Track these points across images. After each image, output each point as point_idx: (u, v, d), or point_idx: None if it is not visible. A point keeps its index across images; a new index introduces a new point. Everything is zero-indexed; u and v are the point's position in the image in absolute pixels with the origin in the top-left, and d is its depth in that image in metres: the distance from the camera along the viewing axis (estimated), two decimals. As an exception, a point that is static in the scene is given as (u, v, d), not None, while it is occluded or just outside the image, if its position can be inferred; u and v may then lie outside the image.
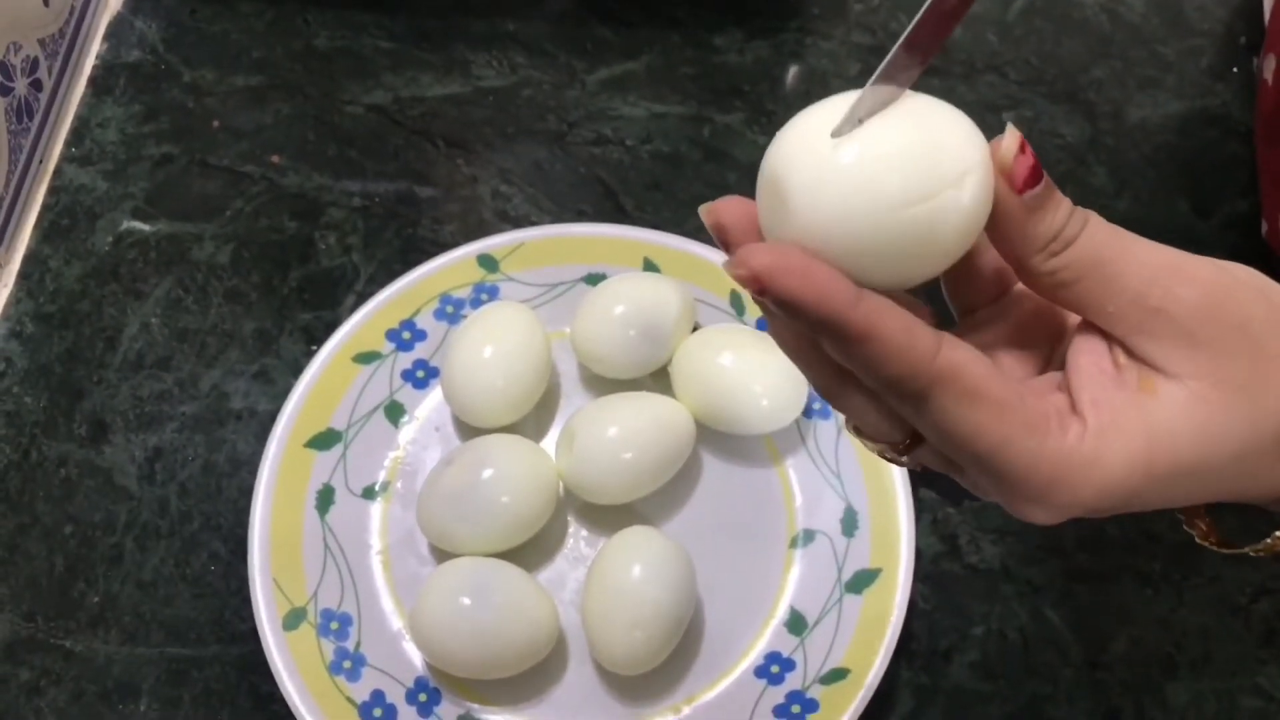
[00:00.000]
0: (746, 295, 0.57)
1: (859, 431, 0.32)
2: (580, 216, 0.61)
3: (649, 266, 0.57)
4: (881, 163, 0.27)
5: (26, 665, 0.51)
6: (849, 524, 0.52)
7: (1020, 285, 0.32)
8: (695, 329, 0.55)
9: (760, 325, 0.56)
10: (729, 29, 0.66)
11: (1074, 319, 0.31)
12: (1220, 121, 0.64)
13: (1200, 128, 0.64)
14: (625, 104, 0.64)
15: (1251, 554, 0.33)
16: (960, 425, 0.28)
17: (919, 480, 0.53)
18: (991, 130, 0.29)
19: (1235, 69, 0.65)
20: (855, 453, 0.53)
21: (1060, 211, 0.29)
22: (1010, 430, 0.28)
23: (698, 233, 0.58)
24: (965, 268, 0.30)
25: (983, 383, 0.28)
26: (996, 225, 0.29)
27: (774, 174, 0.28)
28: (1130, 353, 0.29)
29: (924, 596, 0.52)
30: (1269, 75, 0.59)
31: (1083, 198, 0.62)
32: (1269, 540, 0.32)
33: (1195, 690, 0.51)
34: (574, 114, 0.64)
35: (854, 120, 0.28)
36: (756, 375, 0.53)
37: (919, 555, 0.51)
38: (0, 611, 0.52)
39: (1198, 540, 0.34)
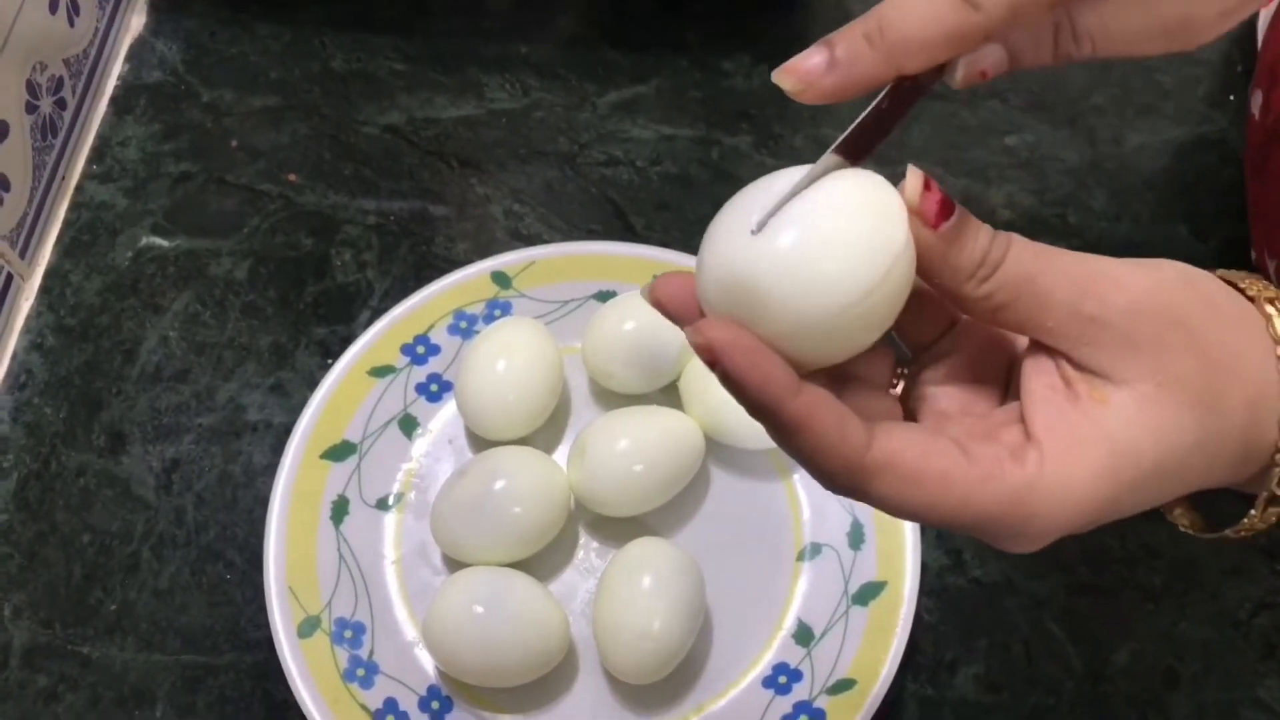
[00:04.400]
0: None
1: None
2: (591, 235, 0.62)
3: (659, 284, 0.58)
4: (810, 255, 0.28)
5: (44, 671, 0.52)
6: (855, 537, 0.53)
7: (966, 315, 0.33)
8: (704, 345, 0.56)
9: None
10: (737, 54, 0.67)
11: (1024, 341, 0.32)
12: (1217, 147, 0.65)
13: (1198, 153, 0.66)
14: (635, 126, 0.65)
15: (1232, 535, 0.33)
16: (910, 505, 0.29)
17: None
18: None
19: (1232, 96, 0.67)
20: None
21: (981, 237, 0.29)
22: (964, 491, 0.29)
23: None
24: (909, 310, 0.30)
25: (921, 462, 0.29)
26: (921, 265, 0.29)
27: (706, 263, 0.29)
28: (1077, 365, 0.30)
29: (929, 609, 0.53)
30: (1256, 110, 0.60)
31: (1083, 221, 0.64)
32: (1245, 520, 0.32)
33: (1197, 703, 0.51)
34: (585, 135, 0.65)
35: (768, 217, 0.28)
36: (764, 391, 0.53)
37: (924, 569, 0.52)
38: (19, 618, 0.53)
39: (1181, 529, 0.34)
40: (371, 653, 0.51)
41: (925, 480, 0.29)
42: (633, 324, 0.55)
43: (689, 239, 0.61)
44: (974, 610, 0.53)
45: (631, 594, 0.49)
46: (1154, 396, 0.29)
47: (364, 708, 0.50)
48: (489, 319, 0.57)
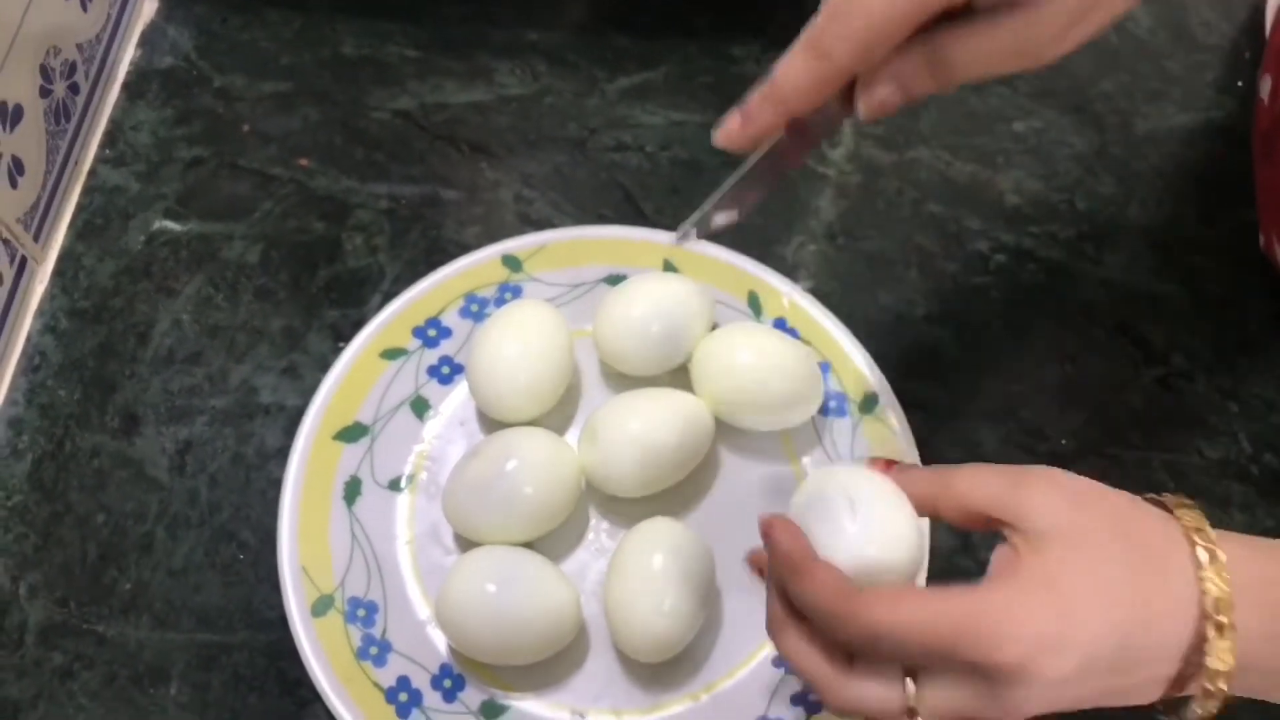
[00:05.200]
0: (764, 297, 0.59)
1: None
2: (601, 220, 0.62)
3: (668, 268, 0.58)
4: (872, 558, 0.39)
5: (60, 649, 0.52)
6: (864, 518, 0.53)
7: None
8: (714, 328, 0.57)
9: (778, 324, 0.57)
10: (746, 39, 0.67)
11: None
12: (1225, 133, 0.66)
13: (1206, 139, 0.66)
14: (645, 112, 0.66)
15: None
16: (899, 616, 0.36)
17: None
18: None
19: (1240, 83, 0.67)
20: (869, 450, 0.55)
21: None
22: (935, 606, 0.36)
23: (716, 236, 0.59)
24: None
25: (899, 591, 0.38)
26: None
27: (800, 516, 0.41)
28: (1020, 533, 0.38)
29: (937, 590, 0.53)
30: (1265, 95, 0.60)
31: (1091, 206, 0.64)
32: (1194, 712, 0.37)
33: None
34: (594, 121, 0.65)
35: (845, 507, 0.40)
36: (774, 373, 0.54)
37: (933, 552, 0.52)
38: (35, 597, 0.53)
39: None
40: (384, 631, 0.51)
41: (905, 599, 0.37)
42: (643, 307, 0.55)
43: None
44: (982, 591, 0.53)
45: (642, 574, 0.50)
46: (1077, 540, 0.37)
47: (377, 686, 0.50)
48: (500, 302, 0.58)
